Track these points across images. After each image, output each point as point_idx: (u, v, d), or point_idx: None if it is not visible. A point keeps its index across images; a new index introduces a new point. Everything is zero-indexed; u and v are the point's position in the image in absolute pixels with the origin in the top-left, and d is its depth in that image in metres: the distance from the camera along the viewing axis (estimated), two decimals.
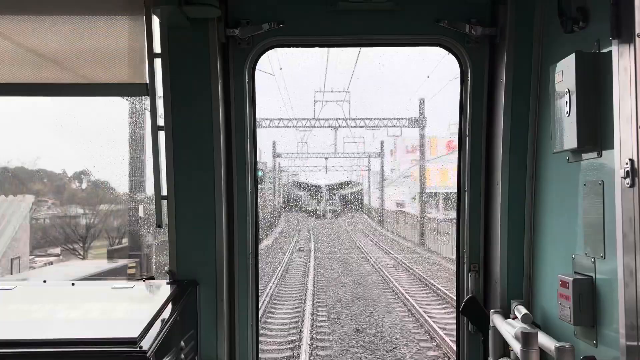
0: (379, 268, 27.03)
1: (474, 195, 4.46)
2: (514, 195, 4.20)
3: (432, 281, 22.59)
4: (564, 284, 3.37)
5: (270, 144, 43.06)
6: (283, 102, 51.83)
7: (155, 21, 4.15)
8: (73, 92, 4.43)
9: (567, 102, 3.31)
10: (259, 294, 4.75)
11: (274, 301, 19.89)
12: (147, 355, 2.96)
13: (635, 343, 2.70)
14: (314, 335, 15.89)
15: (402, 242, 37.58)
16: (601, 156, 3.16)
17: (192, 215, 4.29)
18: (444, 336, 14.78)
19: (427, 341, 15.37)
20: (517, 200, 4.20)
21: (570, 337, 3.41)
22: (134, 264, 20.24)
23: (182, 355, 3.72)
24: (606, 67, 3.01)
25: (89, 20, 4.29)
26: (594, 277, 3.23)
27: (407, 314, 18.40)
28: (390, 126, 37.63)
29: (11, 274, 21.87)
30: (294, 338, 15.62)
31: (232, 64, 4.38)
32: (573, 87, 3.25)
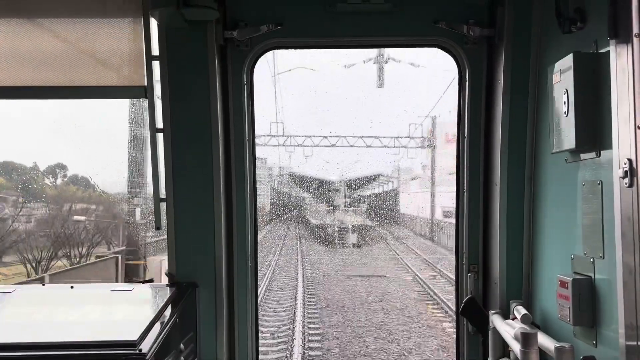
0: None
1: (472, 196, 4.46)
2: (513, 196, 4.20)
3: None
4: (563, 284, 3.36)
5: None
6: None
7: (154, 24, 4.15)
8: (71, 95, 4.43)
9: (565, 103, 3.32)
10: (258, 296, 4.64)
11: None
12: (147, 357, 2.95)
13: (635, 343, 2.70)
14: None
15: None
16: (599, 156, 3.16)
17: (191, 217, 4.29)
18: None
19: None
20: (516, 200, 4.20)
21: (569, 338, 3.41)
22: None
23: (182, 358, 3.72)
24: (604, 68, 3.01)
25: (87, 23, 4.29)
26: (593, 277, 3.23)
27: None
28: None
29: None
30: None
31: (231, 66, 4.38)
32: (571, 88, 3.25)
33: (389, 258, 22.13)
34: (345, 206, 26.65)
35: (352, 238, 24.82)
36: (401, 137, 24.42)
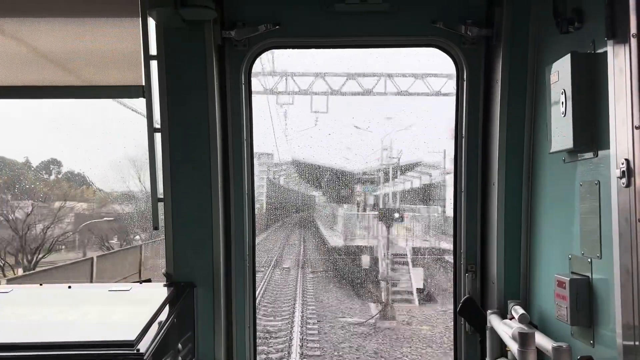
0: None
1: (470, 196, 4.46)
2: (511, 196, 4.21)
3: None
4: (560, 284, 3.37)
5: None
6: None
7: (151, 23, 4.14)
8: (69, 94, 4.42)
9: (563, 103, 3.32)
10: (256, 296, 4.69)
11: None
12: (144, 358, 2.95)
13: (632, 343, 2.70)
14: None
15: None
16: (597, 156, 3.16)
17: (189, 217, 4.29)
18: None
19: None
20: (514, 200, 4.21)
21: (567, 337, 3.41)
22: None
23: (180, 358, 3.71)
24: (602, 68, 3.01)
25: (85, 23, 4.28)
26: (590, 277, 3.23)
27: None
28: None
29: None
30: None
31: (229, 66, 4.39)
32: (569, 88, 3.25)
33: None
34: (395, 211, 14.19)
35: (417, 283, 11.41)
36: None
